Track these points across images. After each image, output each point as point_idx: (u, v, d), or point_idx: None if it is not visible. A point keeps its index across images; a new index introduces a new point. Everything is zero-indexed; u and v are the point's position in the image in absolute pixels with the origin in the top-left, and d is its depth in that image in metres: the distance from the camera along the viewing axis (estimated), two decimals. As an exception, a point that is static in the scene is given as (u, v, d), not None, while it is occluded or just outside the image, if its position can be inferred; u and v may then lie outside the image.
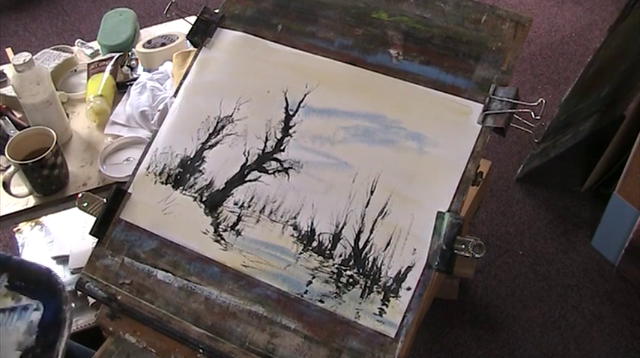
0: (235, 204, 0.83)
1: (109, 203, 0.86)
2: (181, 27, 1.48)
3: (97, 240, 0.86)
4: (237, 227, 0.82)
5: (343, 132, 0.84)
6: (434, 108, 0.82)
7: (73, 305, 0.80)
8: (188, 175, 0.86)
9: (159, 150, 0.89)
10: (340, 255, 0.78)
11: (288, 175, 0.83)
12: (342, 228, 0.79)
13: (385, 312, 0.74)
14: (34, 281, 0.81)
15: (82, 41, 1.56)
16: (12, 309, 0.78)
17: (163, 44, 1.42)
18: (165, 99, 1.28)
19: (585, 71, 1.49)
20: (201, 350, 0.77)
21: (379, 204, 0.79)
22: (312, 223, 0.80)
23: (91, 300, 1.40)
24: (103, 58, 1.44)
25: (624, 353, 1.45)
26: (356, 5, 0.91)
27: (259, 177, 0.84)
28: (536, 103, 0.76)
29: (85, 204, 0.87)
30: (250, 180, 0.84)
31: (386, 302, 0.74)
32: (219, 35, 0.95)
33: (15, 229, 1.54)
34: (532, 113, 0.77)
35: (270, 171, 0.84)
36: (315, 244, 0.79)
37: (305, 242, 0.79)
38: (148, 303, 0.81)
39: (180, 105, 0.92)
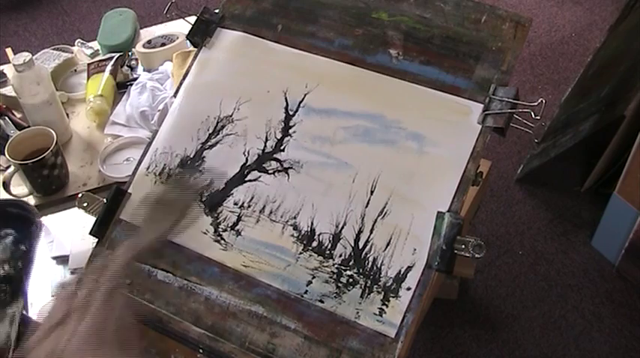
0: (235, 204, 0.83)
1: (109, 203, 0.86)
2: (181, 27, 1.48)
3: (97, 240, 0.86)
4: (237, 227, 0.82)
5: (343, 132, 0.83)
6: (434, 108, 0.82)
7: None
8: (188, 175, 0.86)
9: (159, 150, 0.89)
10: (340, 255, 0.78)
11: (288, 175, 0.83)
12: (342, 228, 0.79)
13: (385, 312, 0.74)
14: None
15: (82, 41, 1.56)
16: None
17: (163, 44, 1.42)
18: (165, 99, 1.28)
19: (585, 71, 1.49)
20: (201, 350, 0.77)
21: (379, 204, 0.79)
22: (312, 223, 0.80)
23: (91, 300, 1.40)
24: (103, 58, 1.44)
25: (624, 353, 1.45)
26: (356, 5, 0.91)
27: (259, 177, 0.84)
28: (536, 103, 0.76)
29: (85, 204, 0.87)
30: (250, 180, 0.84)
31: (386, 302, 0.74)
32: (219, 35, 0.95)
33: (15, 229, 1.54)
34: (532, 113, 0.77)
35: (270, 171, 0.84)
36: (315, 244, 0.79)
37: (305, 242, 0.79)
38: (148, 303, 0.81)
39: (180, 105, 0.92)
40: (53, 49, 1.50)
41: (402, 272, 0.75)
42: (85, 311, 0.61)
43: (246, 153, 0.86)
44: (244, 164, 0.85)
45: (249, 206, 0.83)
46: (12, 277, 0.86)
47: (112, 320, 0.62)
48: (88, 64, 1.42)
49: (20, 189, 1.16)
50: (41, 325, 0.61)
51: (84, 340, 0.59)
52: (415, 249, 0.76)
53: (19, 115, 1.30)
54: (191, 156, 0.87)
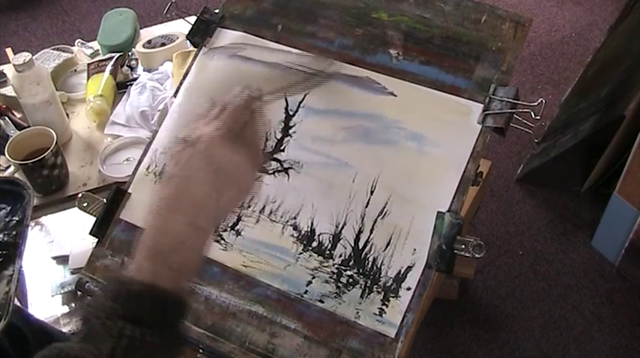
0: (235, 204, 0.83)
1: (109, 203, 0.86)
2: (181, 27, 1.48)
3: (97, 240, 0.86)
4: (237, 227, 0.82)
5: (343, 132, 0.83)
6: (434, 109, 0.82)
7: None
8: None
9: (159, 150, 0.89)
10: (340, 255, 0.78)
11: (288, 175, 0.83)
12: (342, 228, 0.79)
13: (385, 312, 0.74)
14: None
15: (82, 41, 1.56)
16: None
17: (163, 44, 1.43)
18: (165, 99, 1.29)
19: (585, 71, 1.49)
20: (201, 350, 0.77)
21: (379, 204, 0.79)
22: (312, 223, 0.80)
23: (91, 300, 1.40)
24: (103, 58, 1.44)
25: (624, 353, 1.45)
26: (356, 5, 0.91)
27: (259, 177, 0.84)
28: (536, 103, 0.76)
29: (85, 204, 0.87)
30: (250, 180, 0.84)
31: (386, 302, 0.74)
32: (219, 35, 0.95)
33: (15, 229, 1.53)
34: (532, 113, 0.77)
35: (270, 172, 0.84)
36: (315, 244, 0.79)
37: (305, 242, 0.79)
38: (148, 303, 0.80)
39: (180, 105, 0.92)
40: (53, 49, 1.50)
41: (402, 272, 0.75)
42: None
43: (246, 153, 0.86)
44: (244, 164, 0.85)
45: (249, 206, 0.83)
46: (8, 244, 0.94)
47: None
48: (88, 64, 1.42)
49: (20, 189, 1.16)
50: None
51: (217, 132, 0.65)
52: (415, 249, 0.76)
53: (19, 115, 1.30)
54: (191, 156, 0.87)
